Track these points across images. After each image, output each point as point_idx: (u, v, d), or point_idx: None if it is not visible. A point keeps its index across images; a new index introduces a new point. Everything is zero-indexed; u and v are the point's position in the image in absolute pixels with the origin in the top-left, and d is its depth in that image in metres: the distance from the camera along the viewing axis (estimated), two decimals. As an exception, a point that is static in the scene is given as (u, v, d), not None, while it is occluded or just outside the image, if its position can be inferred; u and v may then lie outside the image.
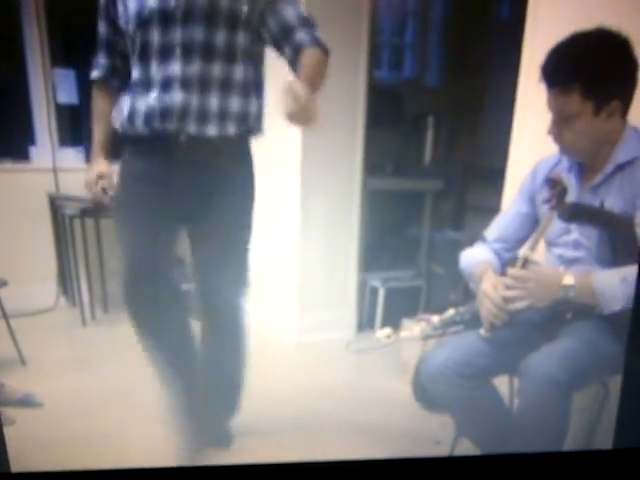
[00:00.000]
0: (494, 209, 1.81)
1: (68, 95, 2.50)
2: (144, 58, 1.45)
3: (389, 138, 2.72)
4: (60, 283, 2.57)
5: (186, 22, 1.41)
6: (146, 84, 1.46)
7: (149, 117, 1.46)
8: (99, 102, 1.59)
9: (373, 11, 2.38)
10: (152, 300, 1.60)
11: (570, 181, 1.41)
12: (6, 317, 1.85)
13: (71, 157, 2.57)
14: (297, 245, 2.40)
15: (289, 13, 1.47)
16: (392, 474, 1.44)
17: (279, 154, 2.29)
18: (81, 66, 2.40)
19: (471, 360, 1.42)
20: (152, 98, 1.45)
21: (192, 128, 1.46)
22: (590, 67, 1.31)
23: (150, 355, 1.61)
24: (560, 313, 1.40)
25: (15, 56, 2.36)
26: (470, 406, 1.46)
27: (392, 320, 2.25)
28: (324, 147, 2.35)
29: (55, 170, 2.49)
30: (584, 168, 1.41)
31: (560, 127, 1.36)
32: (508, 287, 1.39)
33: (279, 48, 1.50)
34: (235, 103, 1.48)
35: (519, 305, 1.40)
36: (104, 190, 1.56)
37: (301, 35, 1.47)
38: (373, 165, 2.57)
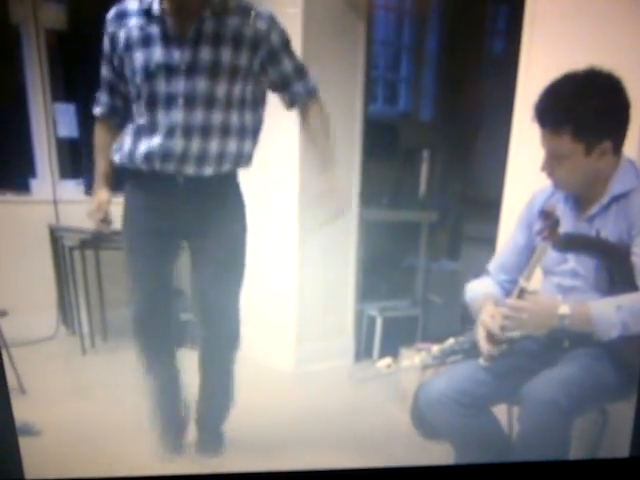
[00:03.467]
0: (490, 239, 1.85)
1: (68, 129, 2.54)
2: (148, 105, 1.54)
3: (385, 171, 2.77)
4: (60, 312, 2.58)
5: (189, 75, 1.51)
6: (149, 128, 1.55)
7: (150, 158, 1.56)
8: (100, 136, 1.68)
9: (368, 46, 2.44)
10: (158, 327, 1.69)
11: (566, 212, 1.45)
12: (6, 346, 1.86)
13: (71, 189, 2.61)
14: (295, 275, 2.42)
15: (287, 65, 1.60)
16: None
17: (277, 187, 2.33)
18: (81, 101, 2.46)
19: (470, 389, 1.43)
20: (154, 142, 1.54)
21: (190, 170, 1.56)
22: (581, 109, 1.34)
23: (148, 377, 1.70)
24: (558, 341, 1.43)
25: (17, 91, 2.41)
26: (469, 434, 1.46)
27: (390, 349, 2.27)
28: None
29: (55, 202, 2.52)
30: (580, 199, 1.44)
31: (552, 165, 1.41)
32: (505, 317, 1.41)
33: (277, 93, 1.64)
34: (232, 146, 1.59)
35: (516, 334, 1.43)
36: (104, 219, 1.66)
37: (298, 87, 1.62)
38: (369, 197, 2.60)
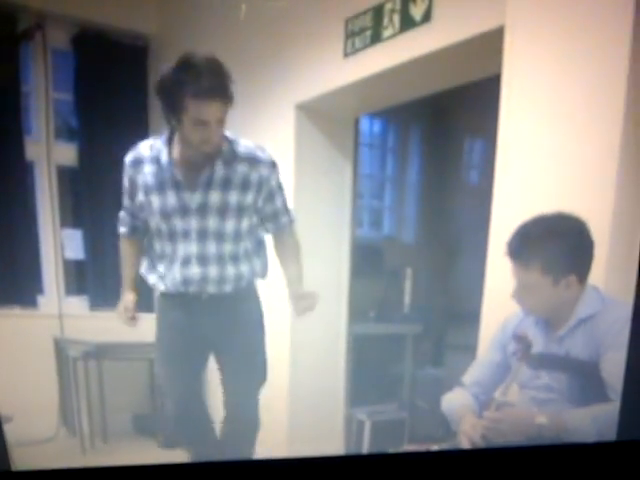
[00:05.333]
0: (471, 347, 1.88)
1: (74, 252, 2.66)
2: (167, 238, 1.72)
3: (371, 287, 2.86)
4: (62, 414, 2.61)
5: (201, 214, 1.68)
6: (170, 257, 1.73)
7: (174, 284, 1.72)
8: (126, 250, 1.85)
9: (355, 179, 2.63)
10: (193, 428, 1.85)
11: (537, 334, 1.55)
12: (9, 451, 1.89)
13: (76, 305, 2.70)
14: (286, 385, 2.47)
15: (279, 202, 1.80)
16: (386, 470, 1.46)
17: (270, 305, 2.43)
18: (87, 227, 2.60)
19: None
20: (175, 269, 1.71)
21: (211, 289, 1.73)
22: (548, 249, 1.48)
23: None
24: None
25: (28, 217, 2.53)
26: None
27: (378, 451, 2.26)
28: None
29: (61, 317, 2.60)
30: (549, 322, 1.54)
31: (522, 293, 1.53)
32: (485, 427, 1.50)
33: (266, 223, 1.82)
34: (246, 267, 1.76)
35: (496, 442, 1.49)
36: (132, 317, 1.81)
37: (284, 220, 1.82)
38: (357, 311, 2.69)
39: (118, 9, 2.49)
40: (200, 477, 1.56)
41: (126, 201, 1.78)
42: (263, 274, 1.83)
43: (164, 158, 1.67)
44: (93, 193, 2.55)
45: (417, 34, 1.90)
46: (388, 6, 1.97)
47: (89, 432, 2.53)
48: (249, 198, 1.71)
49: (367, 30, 2.04)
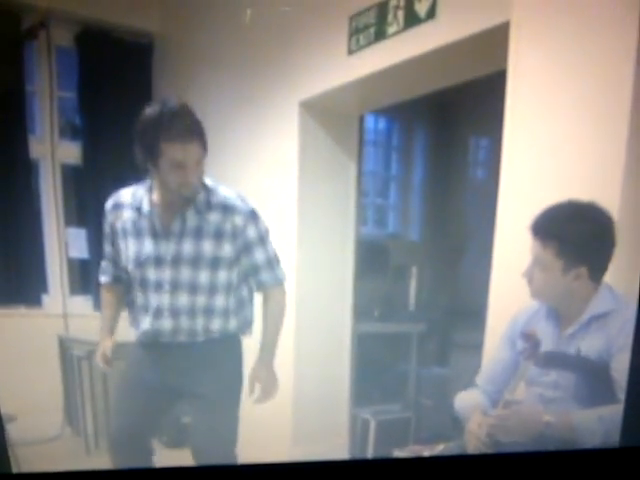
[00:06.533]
0: (477, 346, 1.88)
1: (79, 251, 2.67)
2: (140, 287, 1.69)
3: (376, 286, 2.85)
4: (66, 414, 2.62)
5: (175, 264, 1.65)
6: (143, 307, 1.70)
7: (146, 333, 1.70)
8: (106, 298, 1.84)
9: (359, 177, 2.63)
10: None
11: (547, 329, 1.54)
12: (12, 449, 1.89)
13: (80, 304, 2.71)
14: (291, 384, 2.46)
15: (260, 256, 1.72)
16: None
17: None
18: (91, 226, 2.60)
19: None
20: (147, 321, 1.69)
21: (182, 339, 1.69)
22: (571, 231, 1.48)
23: None
24: (542, 447, 1.47)
25: (33, 216, 2.55)
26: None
27: (383, 451, 2.28)
28: (317, 296, 2.50)
29: (65, 316, 2.61)
30: (560, 318, 1.53)
31: (533, 272, 1.52)
32: (491, 425, 1.50)
33: (247, 278, 1.75)
34: (220, 322, 1.71)
35: (502, 440, 1.49)
36: (107, 362, 1.80)
37: (265, 276, 1.74)
38: (362, 310, 2.69)
39: (122, 7, 2.49)
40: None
41: (107, 248, 1.77)
42: (243, 331, 1.78)
43: (145, 205, 1.66)
44: (97, 192, 2.53)
45: (422, 30, 1.89)
46: (392, 3, 1.96)
47: (94, 431, 2.53)
48: (225, 250, 1.67)
49: (371, 27, 2.04)
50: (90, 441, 2.52)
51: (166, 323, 1.67)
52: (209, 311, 1.68)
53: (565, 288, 1.49)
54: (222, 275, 1.67)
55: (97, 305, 2.62)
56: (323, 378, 2.58)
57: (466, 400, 1.67)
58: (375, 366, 2.80)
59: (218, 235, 1.64)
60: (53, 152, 2.56)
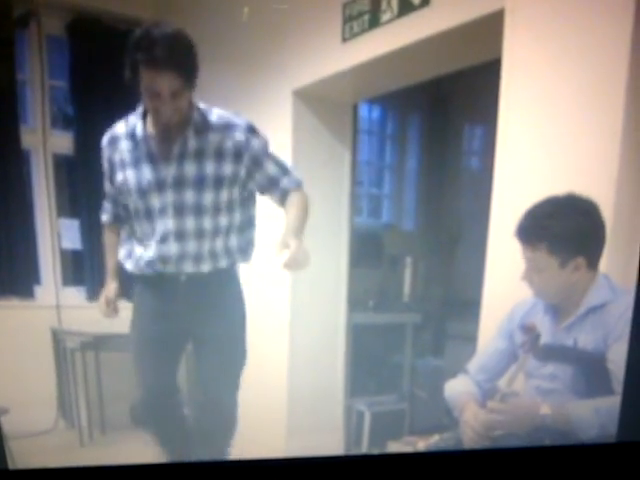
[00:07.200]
0: (471, 337, 1.88)
1: (72, 241, 2.64)
2: (144, 216, 1.67)
3: (371, 276, 2.85)
4: (60, 407, 2.60)
5: (178, 188, 1.63)
6: (147, 236, 1.68)
7: (151, 263, 1.68)
8: (108, 238, 1.82)
9: (353, 166, 2.62)
10: (160, 423, 1.80)
11: (545, 321, 1.55)
12: (5, 441, 1.89)
13: (73, 295, 2.69)
14: (285, 376, 2.47)
15: (272, 167, 1.70)
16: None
17: (270, 295, 2.42)
18: (84, 216, 2.58)
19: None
20: (152, 249, 1.66)
21: (189, 269, 1.67)
22: (555, 227, 1.48)
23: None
24: (538, 439, 1.49)
25: (25, 207, 2.52)
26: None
27: (378, 442, 2.27)
28: (311, 287, 2.51)
29: (58, 307, 2.60)
30: (558, 310, 1.54)
31: (531, 275, 1.53)
32: (488, 418, 1.51)
33: (267, 194, 1.74)
34: (225, 244, 1.69)
35: (499, 432, 1.50)
36: (111, 310, 1.80)
37: (285, 182, 1.71)
38: (357, 301, 2.69)
39: (113, -6, 2.46)
40: (199, 477, 1.56)
41: (107, 186, 1.75)
42: (245, 254, 1.76)
43: (139, 131, 1.64)
44: (90, 182, 2.51)
45: (416, 18, 1.88)
46: (386, -10, 1.94)
47: (87, 424, 2.52)
48: (227, 169, 1.65)
49: (365, 14, 2.02)
50: (84, 433, 2.51)
51: (173, 248, 1.65)
52: (214, 232, 1.66)
53: (566, 282, 1.50)
54: (225, 195, 1.65)
55: (90, 296, 2.63)
56: (317, 369, 2.58)
57: (456, 388, 1.68)
58: (370, 357, 2.80)
59: (219, 154, 1.63)
60: (45, 142, 2.54)
